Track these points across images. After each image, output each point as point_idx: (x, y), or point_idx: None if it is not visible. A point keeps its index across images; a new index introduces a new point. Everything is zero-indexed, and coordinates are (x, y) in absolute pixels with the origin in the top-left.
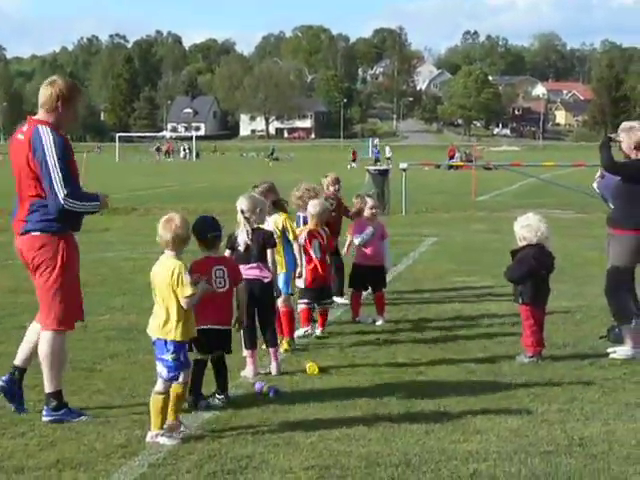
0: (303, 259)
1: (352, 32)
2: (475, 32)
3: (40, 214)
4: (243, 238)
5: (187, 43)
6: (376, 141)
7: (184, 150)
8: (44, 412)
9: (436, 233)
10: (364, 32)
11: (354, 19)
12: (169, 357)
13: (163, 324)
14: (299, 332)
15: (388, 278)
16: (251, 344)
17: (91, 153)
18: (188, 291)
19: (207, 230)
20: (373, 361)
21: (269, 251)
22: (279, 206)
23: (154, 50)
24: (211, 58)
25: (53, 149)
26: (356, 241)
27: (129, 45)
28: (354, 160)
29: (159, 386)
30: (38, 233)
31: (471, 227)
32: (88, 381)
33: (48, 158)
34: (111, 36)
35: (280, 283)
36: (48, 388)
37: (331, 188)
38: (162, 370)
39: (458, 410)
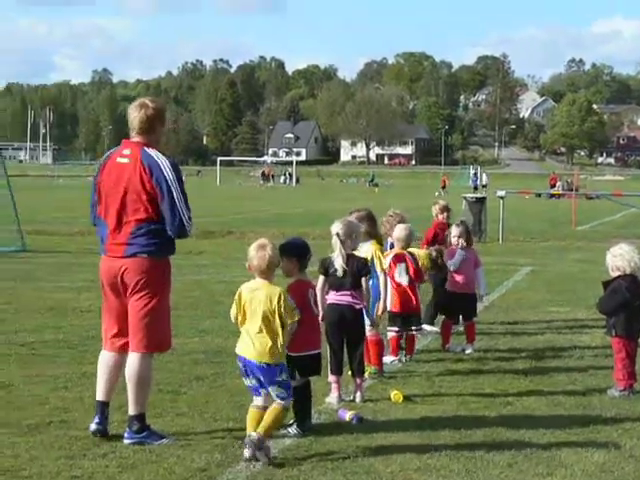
0: (389, 292)
1: (455, 59)
2: (580, 60)
3: (148, 237)
4: (339, 263)
5: (290, 68)
6: (477, 169)
7: (284, 175)
8: (126, 434)
9: (532, 262)
10: (467, 59)
11: (457, 46)
12: (284, 378)
13: (270, 349)
14: (386, 359)
15: (481, 307)
16: (338, 370)
17: (192, 177)
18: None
19: (303, 252)
20: (459, 391)
21: (363, 279)
22: (373, 235)
23: (257, 75)
24: (313, 83)
25: (171, 171)
26: (450, 267)
27: (232, 70)
28: (443, 187)
29: (279, 404)
30: (146, 255)
31: (568, 257)
32: (172, 404)
33: (169, 181)
34: (215, 61)
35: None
36: (133, 411)
37: (440, 216)
38: (281, 392)
39: (544, 443)
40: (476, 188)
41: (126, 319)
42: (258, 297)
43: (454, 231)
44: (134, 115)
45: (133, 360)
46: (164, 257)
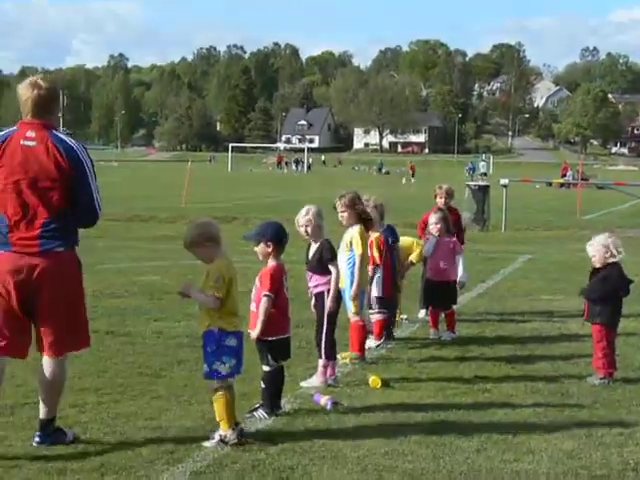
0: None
1: (470, 47)
2: (595, 48)
3: (64, 229)
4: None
5: (304, 55)
6: (483, 157)
7: (296, 162)
8: (38, 437)
9: (532, 251)
10: (482, 47)
11: (472, 34)
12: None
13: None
14: (371, 344)
15: (474, 294)
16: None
17: (205, 162)
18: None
19: (281, 236)
20: (439, 377)
21: (329, 264)
22: (359, 219)
23: (271, 62)
24: (327, 71)
25: (87, 155)
26: (424, 254)
27: (246, 56)
28: (413, 175)
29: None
30: (63, 249)
31: (570, 246)
32: (150, 387)
33: (87, 166)
34: (229, 47)
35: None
36: (45, 414)
37: (439, 200)
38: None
39: (515, 429)
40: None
41: (20, 321)
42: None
43: (432, 218)
44: (27, 96)
45: (47, 365)
46: (76, 248)
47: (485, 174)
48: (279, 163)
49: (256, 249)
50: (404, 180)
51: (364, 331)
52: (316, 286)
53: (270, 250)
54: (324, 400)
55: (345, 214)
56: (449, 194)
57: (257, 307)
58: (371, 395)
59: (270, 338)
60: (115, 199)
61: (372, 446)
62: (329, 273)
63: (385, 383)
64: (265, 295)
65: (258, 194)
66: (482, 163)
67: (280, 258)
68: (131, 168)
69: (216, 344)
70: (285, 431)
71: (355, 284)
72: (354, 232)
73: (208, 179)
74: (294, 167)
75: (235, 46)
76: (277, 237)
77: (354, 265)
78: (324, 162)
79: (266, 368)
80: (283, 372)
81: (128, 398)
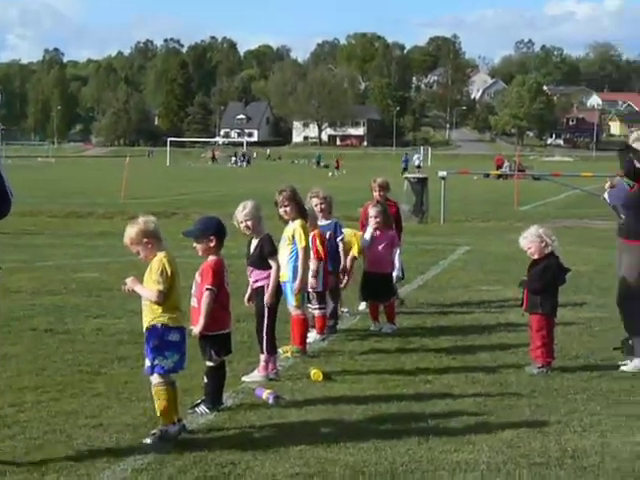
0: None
1: (407, 40)
2: (530, 41)
3: None
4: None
5: (242, 49)
6: (420, 150)
7: (235, 156)
8: None
9: (471, 242)
10: (419, 40)
11: (410, 28)
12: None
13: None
14: (314, 338)
15: (414, 285)
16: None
17: (143, 157)
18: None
19: (222, 231)
20: (380, 369)
21: (269, 259)
22: (300, 213)
23: (209, 55)
24: (265, 64)
25: None
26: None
27: (184, 50)
28: (337, 167)
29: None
30: None
31: (507, 237)
32: (90, 384)
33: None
34: (166, 40)
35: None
36: None
37: (375, 193)
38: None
39: (455, 420)
40: (405, 169)
41: None
42: None
43: (371, 211)
44: None
45: None
46: None
47: (419, 167)
48: (213, 158)
49: (196, 245)
50: (330, 173)
51: (306, 324)
52: (256, 281)
53: (212, 245)
54: (266, 394)
55: (287, 208)
56: (383, 187)
57: (198, 302)
58: (312, 388)
59: (212, 333)
60: (53, 196)
61: (314, 439)
62: (270, 268)
63: (326, 376)
64: (208, 289)
65: (197, 189)
66: (416, 156)
67: (220, 253)
68: (68, 164)
69: (159, 339)
70: (227, 426)
71: (299, 278)
72: (296, 225)
73: (147, 174)
74: (233, 161)
75: (172, 40)
76: (219, 232)
77: (297, 259)
78: (269, 156)
79: (209, 363)
80: (225, 367)
81: (68, 396)
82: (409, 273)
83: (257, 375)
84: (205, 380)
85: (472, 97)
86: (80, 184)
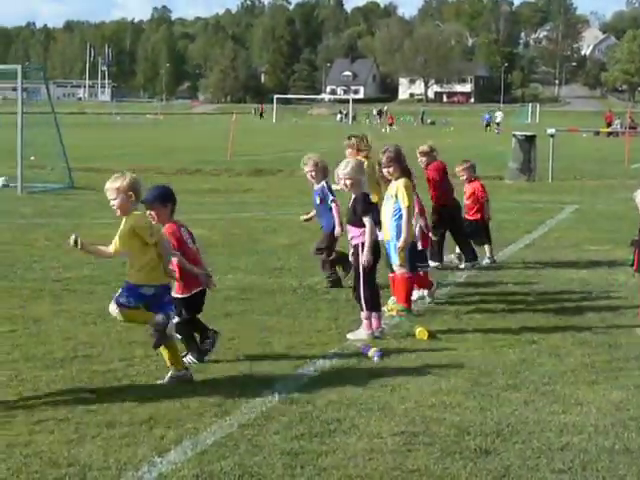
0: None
1: None
2: None
3: None
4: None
5: (349, 6)
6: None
7: (340, 113)
8: None
9: (579, 201)
10: None
11: None
12: None
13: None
14: (421, 294)
15: (520, 245)
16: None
17: (250, 114)
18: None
19: (174, 198)
20: (486, 329)
21: (364, 218)
22: (404, 172)
23: (315, 12)
24: (372, 21)
25: None
26: None
27: (291, 7)
28: (391, 124)
29: None
30: None
31: (617, 195)
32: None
33: None
34: None
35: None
36: None
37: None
38: None
39: (563, 381)
40: (488, 125)
41: None
42: None
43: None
44: None
45: None
46: None
47: (499, 124)
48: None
49: (152, 212)
50: (383, 130)
51: (410, 283)
52: (352, 238)
53: (168, 211)
54: (371, 352)
55: (391, 168)
56: (426, 153)
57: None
58: (418, 347)
59: (183, 296)
60: (161, 152)
61: (419, 398)
62: (364, 226)
63: (432, 335)
64: (172, 255)
65: (303, 146)
66: (498, 113)
67: (173, 217)
68: (176, 121)
69: (130, 292)
70: (333, 383)
71: (403, 236)
72: (399, 184)
73: (253, 131)
74: (338, 118)
75: None
76: (174, 199)
77: (400, 217)
78: (380, 113)
79: (175, 319)
80: (193, 320)
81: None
82: (517, 232)
83: (363, 333)
84: (179, 336)
85: (582, 53)
86: (188, 141)
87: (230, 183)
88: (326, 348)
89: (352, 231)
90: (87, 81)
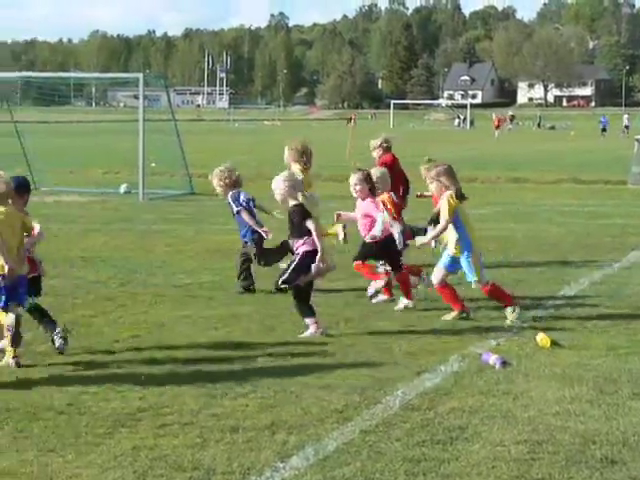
0: None
1: None
2: None
3: None
4: None
5: (466, 10)
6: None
7: (457, 118)
8: None
9: None
10: None
11: None
12: None
13: None
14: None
15: None
16: None
17: (366, 120)
18: None
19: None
20: (610, 335)
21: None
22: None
23: (433, 17)
24: (490, 24)
25: None
26: None
27: (408, 12)
28: (497, 127)
29: None
30: None
31: None
32: (317, 346)
33: None
34: (391, 3)
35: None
36: None
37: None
38: None
39: None
40: (604, 130)
41: None
42: None
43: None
44: None
45: None
46: None
47: (627, 127)
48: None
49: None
50: (495, 134)
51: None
52: (297, 248)
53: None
54: (492, 359)
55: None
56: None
57: None
58: (540, 354)
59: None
60: (280, 158)
61: (542, 406)
62: (305, 235)
63: (554, 342)
64: None
65: (421, 151)
66: (625, 116)
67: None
68: (293, 127)
69: None
70: (454, 390)
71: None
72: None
73: (370, 136)
74: (456, 123)
75: (397, 2)
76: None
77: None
78: (539, 123)
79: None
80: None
81: (295, 356)
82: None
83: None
84: None
85: None
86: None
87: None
88: (446, 355)
89: (295, 243)
90: (206, 88)
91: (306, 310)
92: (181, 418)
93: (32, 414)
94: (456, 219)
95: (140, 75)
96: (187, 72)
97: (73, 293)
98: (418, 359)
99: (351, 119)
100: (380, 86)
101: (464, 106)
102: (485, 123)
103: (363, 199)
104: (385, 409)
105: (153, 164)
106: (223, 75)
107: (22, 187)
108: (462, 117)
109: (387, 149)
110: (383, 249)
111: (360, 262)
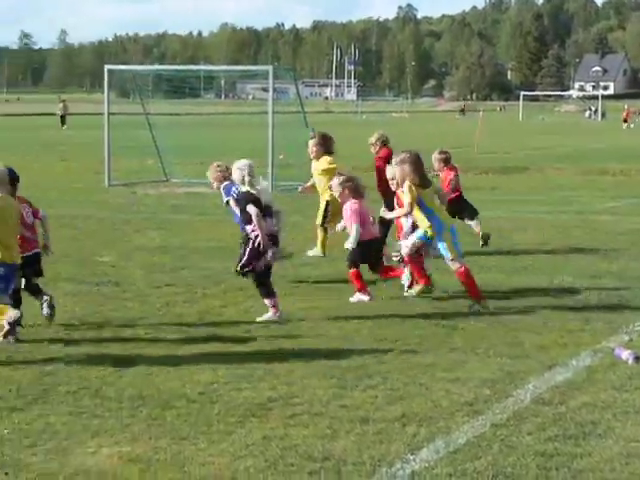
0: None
1: None
2: None
3: None
4: None
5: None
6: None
7: (589, 109)
8: None
9: None
10: None
11: None
12: None
13: None
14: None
15: None
16: None
17: (495, 112)
18: None
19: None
20: None
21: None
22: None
23: (565, 7)
24: (624, 14)
25: None
26: None
27: (539, 2)
28: (625, 121)
29: None
30: None
31: None
32: (447, 339)
33: None
34: None
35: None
36: None
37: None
38: None
39: None
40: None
41: None
42: None
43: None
44: None
45: None
46: None
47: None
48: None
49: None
50: (623, 126)
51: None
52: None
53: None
54: (625, 354)
55: None
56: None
57: None
58: None
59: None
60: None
61: None
62: (252, 222)
63: None
64: None
65: (551, 143)
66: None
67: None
68: (421, 119)
69: None
70: (586, 385)
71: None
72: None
73: (499, 128)
74: (587, 114)
75: None
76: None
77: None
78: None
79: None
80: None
81: (426, 349)
82: None
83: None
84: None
85: None
86: (434, 138)
87: (478, 180)
88: (578, 349)
89: (247, 228)
90: (334, 80)
91: (266, 293)
92: (311, 408)
93: (165, 402)
94: (421, 204)
95: (270, 67)
96: (315, 64)
97: (203, 284)
98: (549, 353)
99: (462, 110)
100: (509, 77)
101: (595, 97)
102: (617, 114)
103: (343, 203)
104: (516, 402)
105: (281, 156)
106: (351, 67)
107: (14, 177)
108: (593, 109)
109: (384, 144)
110: (366, 252)
111: (378, 271)
